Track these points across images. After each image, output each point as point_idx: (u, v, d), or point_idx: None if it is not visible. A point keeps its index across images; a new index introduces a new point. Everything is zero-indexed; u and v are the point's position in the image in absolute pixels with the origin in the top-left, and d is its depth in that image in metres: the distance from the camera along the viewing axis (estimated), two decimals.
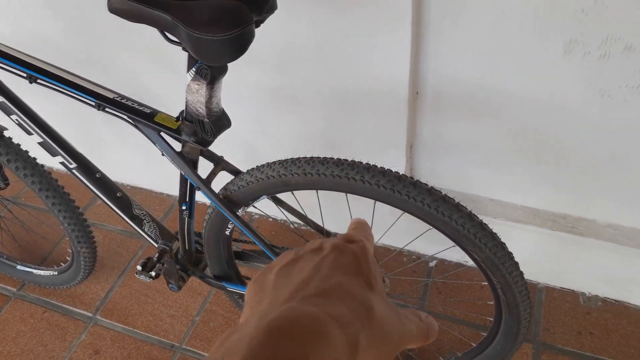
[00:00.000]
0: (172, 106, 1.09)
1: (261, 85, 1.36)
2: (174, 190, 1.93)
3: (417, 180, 0.91)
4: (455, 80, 1.19)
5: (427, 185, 0.91)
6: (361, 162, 0.94)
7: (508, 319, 1.03)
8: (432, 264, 1.63)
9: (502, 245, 0.94)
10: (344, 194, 0.99)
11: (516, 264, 0.96)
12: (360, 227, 0.42)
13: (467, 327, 1.48)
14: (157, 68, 1.44)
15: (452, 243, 0.98)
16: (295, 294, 0.32)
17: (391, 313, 0.34)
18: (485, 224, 0.93)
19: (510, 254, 0.95)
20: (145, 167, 1.86)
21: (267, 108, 1.43)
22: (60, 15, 1.45)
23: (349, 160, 0.95)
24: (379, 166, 0.93)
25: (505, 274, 0.94)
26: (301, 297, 0.32)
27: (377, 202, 0.96)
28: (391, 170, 0.92)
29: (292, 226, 1.67)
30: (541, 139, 1.24)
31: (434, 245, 1.55)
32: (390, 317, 0.34)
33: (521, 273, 0.97)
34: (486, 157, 1.35)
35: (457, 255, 1.60)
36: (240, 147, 1.57)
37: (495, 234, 0.94)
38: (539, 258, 1.48)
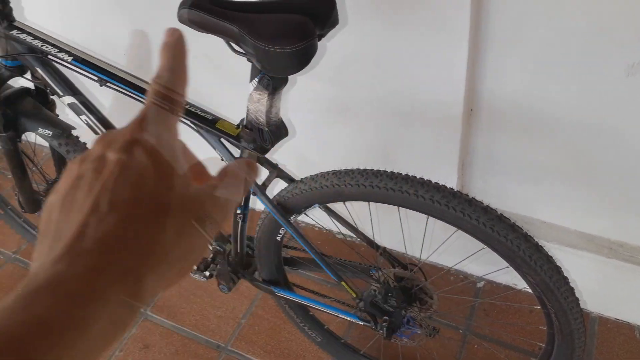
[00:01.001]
0: (225, 113, 1.12)
1: (316, 96, 1.38)
2: None
3: (473, 197, 0.90)
4: (512, 98, 1.17)
5: (482, 203, 0.90)
6: (415, 177, 0.94)
7: (561, 346, 1.00)
8: (480, 284, 1.60)
9: (558, 269, 0.92)
10: (396, 207, 0.99)
11: (572, 289, 0.93)
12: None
13: (515, 352, 1.44)
14: (213, 76, 1.49)
15: (505, 264, 0.96)
16: (70, 248, 0.29)
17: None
18: (541, 246, 0.91)
19: (565, 278, 0.93)
20: None
21: (321, 118, 1.45)
22: (129, 21, 1.53)
23: (403, 174, 0.95)
24: (433, 181, 0.93)
25: (560, 299, 0.91)
26: (74, 254, 0.29)
27: (429, 217, 0.96)
28: (446, 186, 0.91)
29: (342, 237, 1.69)
30: (598, 162, 1.20)
31: (484, 265, 1.53)
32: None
33: (577, 299, 0.94)
34: (540, 178, 1.32)
35: (506, 277, 1.57)
36: (292, 156, 1.59)
37: (551, 257, 0.92)
38: (593, 286, 1.42)
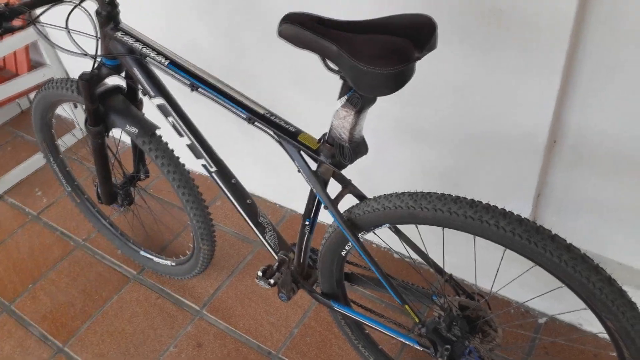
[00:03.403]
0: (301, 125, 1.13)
1: (389, 115, 1.38)
2: (287, 202, 2.01)
3: (556, 234, 0.88)
4: (599, 133, 1.14)
5: (565, 240, 0.88)
6: (496, 207, 0.92)
7: None
8: (542, 320, 1.55)
9: None
10: (471, 236, 0.98)
11: None
12: None
13: None
14: (294, 89, 1.52)
15: (581, 305, 0.93)
16: None
17: None
18: (624, 291, 0.87)
19: None
20: (265, 177, 1.95)
21: (389, 137, 1.45)
22: (211, 26, 1.58)
23: (484, 202, 0.94)
24: (515, 214, 0.91)
25: None
26: None
27: (507, 250, 0.94)
28: (528, 220, 0.89)
29: (399, 257, 1.67)
30: None
31: (550, 303, 1.48)
32: None
33: None
34: (620, 218, 1.27)
35: (570, 317, 1.51)
36: (355, 173, 1.60)
37: (635, 303, 0.88)
38: None
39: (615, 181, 1.18)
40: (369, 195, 1.11)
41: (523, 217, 0.90)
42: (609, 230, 1.30)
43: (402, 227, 1.12)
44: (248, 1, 1.42)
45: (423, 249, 1.15)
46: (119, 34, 1.15)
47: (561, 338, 1.48)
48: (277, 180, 1.93)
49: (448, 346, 1.10)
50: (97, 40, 1.17)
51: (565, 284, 0.90)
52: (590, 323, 1.48)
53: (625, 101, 1.06)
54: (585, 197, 1.25)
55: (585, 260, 0.86)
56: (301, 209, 1.16)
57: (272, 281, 1.24)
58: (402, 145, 1.45)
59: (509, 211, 0.91)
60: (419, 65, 1.18)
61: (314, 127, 1.11)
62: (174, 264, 1.74)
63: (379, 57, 0.77)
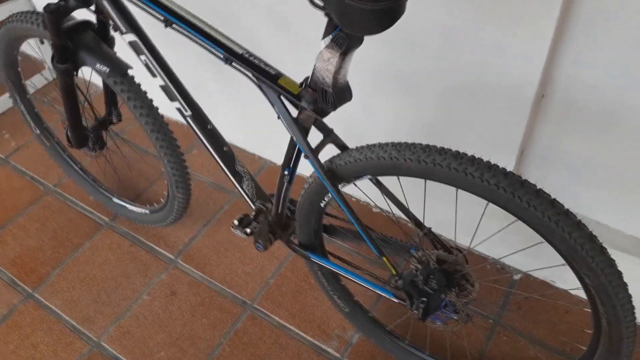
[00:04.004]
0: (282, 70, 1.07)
1: (373, 60, 1.32)
2: (266, 153, 1.96)
3: (540, 189, 0.86)
4: (589, 89, 1.11)
5: (550, 195, 0.86)
6: (482, 159, 0.89)
7: (606, 352, 0.96)
8: (517, 277, 1.56)
9: (619, 274, 0.87)
10: (454, 189, 0.95)
11: (629, 296, 0.89)
12: None
13: (545, 349, 1.41)
14: (273, 29, 1.45)
15: (561, 261, 0.92)
16: None
17: None
18: (605, 248, 0.86)
19: (625, 284, 0.89)
20: (243, 126, 1.90)
21: (375, 85, 1.40)
22: None
23: (469, 154, 0.91)
24: (500, 166, 0.88)
25: (616, 305, 0.87)
26: None
27: (489, 204, 0.92)
28: (514, 173, 0.87)
29: (379, 211, 1.66)
30: None
31: (526, 259, 1.49)
32: None
33: (633, 307, 0.90)
34: (602, 178, 1.26)
35: (544, 273, 1.53)
36: (337, 122, 1.55)
37: (614, 260, 0.87)
38: None
39: (597, 140, 1.16)
40: (352, 145, 1.07)
41: (508, 170, 0.87)
42: (589, 189, 1.29)
43: (384, 179, 1.09)
44: None
45: (404, 202, 1.13)
46: None
47: (535, 294, 1.50)
48: (255, 130, 1.87)
49: (424, 299, 1.09)
50: None
51: (546, 240, 0.89)
52: (564, 280, 1.50)
53: (617, 55, 1.02)
54: (568, 155, 1.23)
55: (568, 216, 0.85)
56: (280, 160, 1.12)
57: (248, 230, 1.21)
58: (387, 94, 1.40)
59: (494, 164, 0.88)
60: (409, 8, 1.13)
61: (296, 72, 1.05)
62: (147, 211, 1.70)
63: None
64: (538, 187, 0.87)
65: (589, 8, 0.99)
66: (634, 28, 0.96)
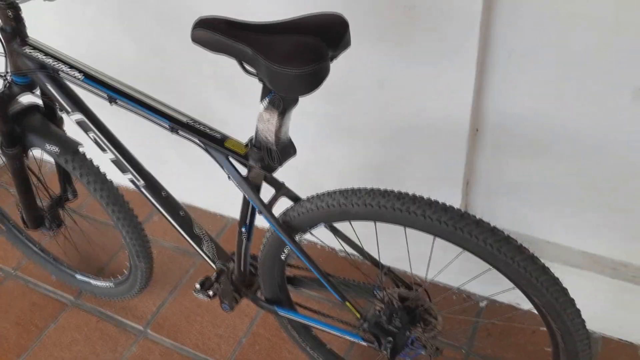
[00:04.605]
0: (231, 130, 1.12)
1: (318, 114, 1.39)
2: (227, 210, 1.98)
3: (480, 219, 0.91)
4: (518, 118, 1.19)
5: (490, 224, 0.91)
6: (423, 197, 0.94)
7: None
8: (483, 304, 1.60)
9: (565, 291, 0.92)
10: (402, 227, 1.00)
11: (578, 311, 0.94)
12: None
13: None
14: (221, 94, 1.51)
15: (510, 285, 0.96)
16: None
17: None
18: (547, 267, 0.91)
19: (572, 300, 0.93)
20: (201, 187, 1.92)
21: (323, 137, 1.46)
22: (133, 38, 1.54)
23: (411, 194, 0.96)
24: (440, 202, 0.93)
25: (566, 321, 0.91)
26: None
27: (436, 238, 0.96)
28: (454, 207, 0.92)
29: (344, 255, 1.68)
30: (603, 183, 1.21)
31: (489, 286, 1.53)
32: None
33: (583, 321, 0.94)
34: (545, 199, 1.33)
35: (509, 297, 1.57)
36: (292, 174, 1.60)
37: (558, 279, 0.92)
38: (596, 306, 1.42)
39: (534, 164, 1.24)
40: (306, 194, 1.11)
41: (448, 205, 0.93)
42: (535, 210, 1.35)
43: (339, 225, 1.13)
44: (168, 6, 1.39)
45: (359, 244, 1.16)
46: (27, 49, 1.10)
47: (498, 318, 1.53)
48: (214, 189, 1.90)
49: (390, 338, 1.11)
50: (5, 57, 1.11)
51: (492, 266, 0.93)
52: (527, 302, 1.54)
53: (537, 85, 1.11)
54: (510, 181, 1.30)
55: (509, 241, 0.90)
56: None
57: (211, 292, 1.21)
58: (333, 143, 1.46)
59: (435, 200, 0.93)
60: (340, 63, 1.20)
61: (241, 132, 1.10)
62: (112, 285, 1.68)
63: (292, 58, 0.77)
64: (484, 217, 0.92)
65: (505, 48, 1.08)
66: (553, 56, 1.05)
